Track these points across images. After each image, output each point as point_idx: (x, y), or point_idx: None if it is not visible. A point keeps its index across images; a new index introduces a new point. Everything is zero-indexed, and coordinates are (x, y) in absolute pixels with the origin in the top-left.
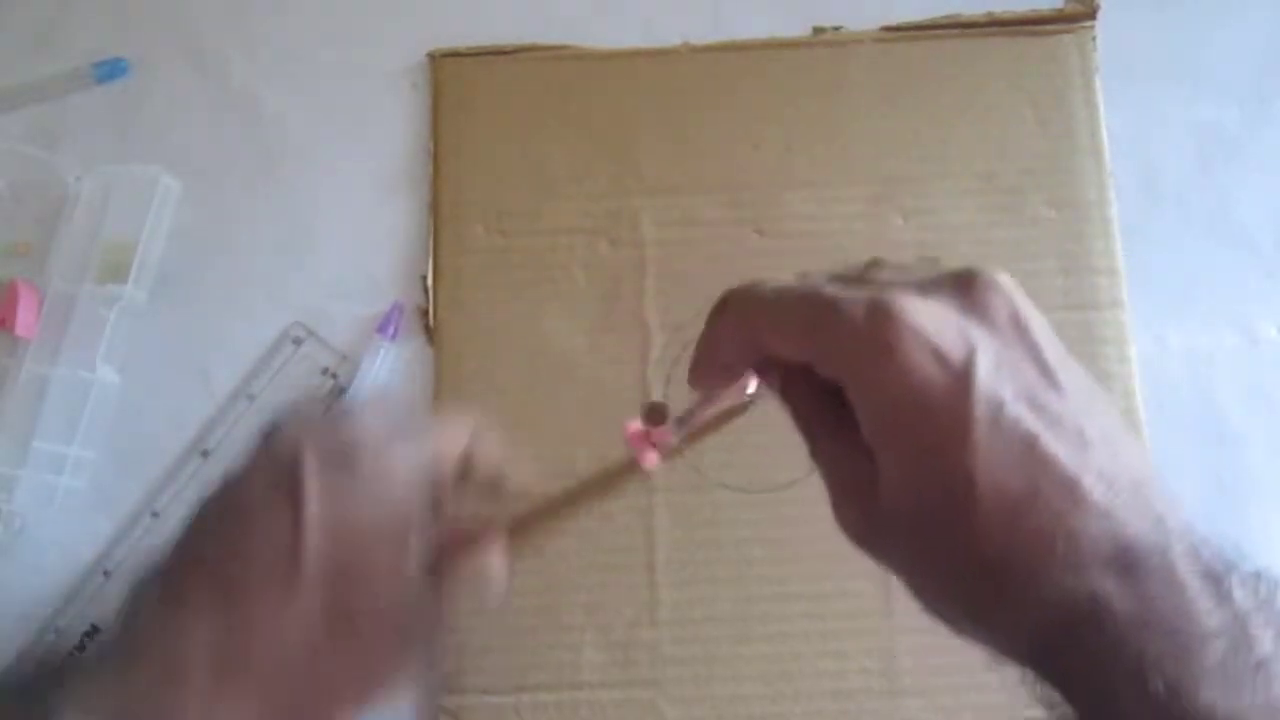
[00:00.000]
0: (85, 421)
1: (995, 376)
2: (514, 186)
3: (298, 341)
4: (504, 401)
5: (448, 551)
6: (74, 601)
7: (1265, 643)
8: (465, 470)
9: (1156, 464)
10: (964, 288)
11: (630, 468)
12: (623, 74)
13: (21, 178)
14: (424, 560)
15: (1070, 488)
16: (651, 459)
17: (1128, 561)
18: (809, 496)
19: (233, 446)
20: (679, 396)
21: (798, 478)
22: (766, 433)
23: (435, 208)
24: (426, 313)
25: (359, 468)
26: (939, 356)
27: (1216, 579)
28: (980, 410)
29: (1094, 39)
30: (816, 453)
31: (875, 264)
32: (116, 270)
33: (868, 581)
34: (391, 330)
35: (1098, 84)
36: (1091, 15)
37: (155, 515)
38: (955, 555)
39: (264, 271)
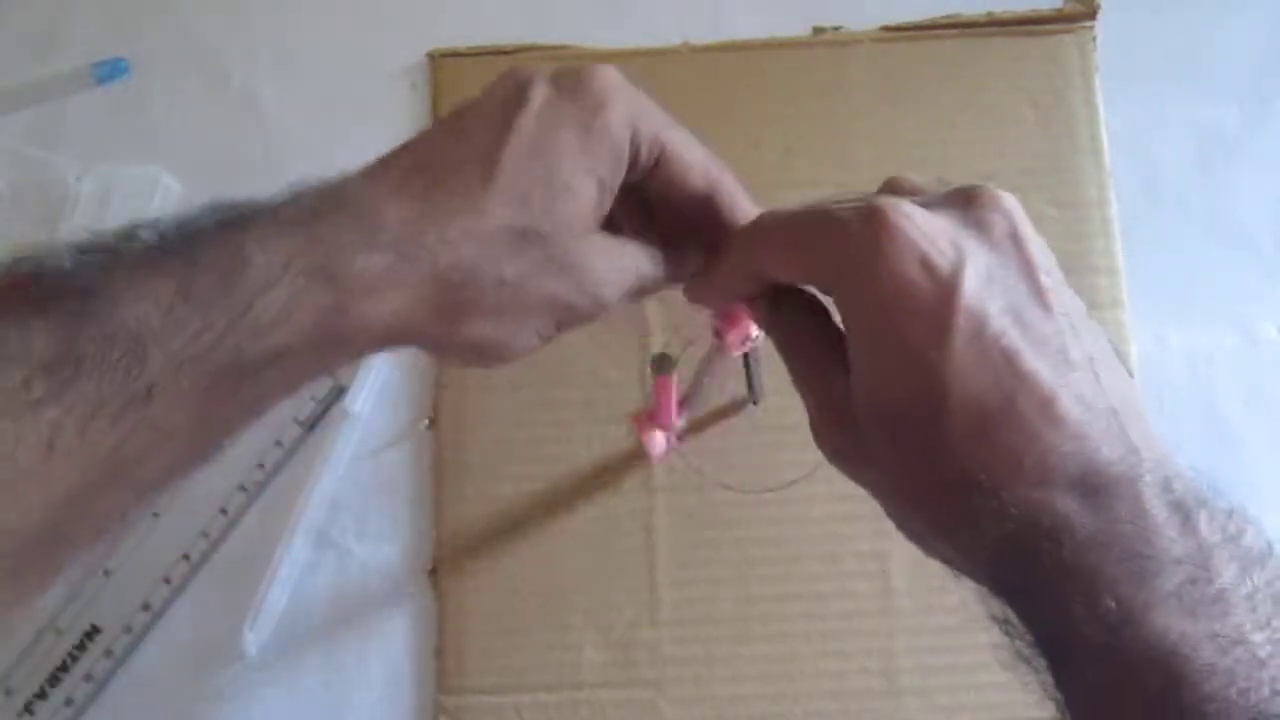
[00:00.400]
0: None
1: (983, 289)
2: None
3: None
4: (505, 400)
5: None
6: (74, 601)
7: (1227, 576)
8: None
9: None
10: (965, 202)
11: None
12: (622, 74)
13: (21, 178)
14: (602, 216)
15: (1045, 406)
16: (658, 443)
17: (1094, 484)
18: (809, 496)
19: (233, 446)
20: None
21: (797, 478)
22: (766, 434)
23: None
24: None
25: (583, 112)
26: (927, 263)
27: (1185, 511)
28: (963, 320)
29: (1094, 39)
30: (798, 371)
31: (888, 182)
32: None
33: (868, 581)
34: None
35: (1097, 84)
36: (1091, 15)
37: (155, 515)
38: (925, 465)
39: None
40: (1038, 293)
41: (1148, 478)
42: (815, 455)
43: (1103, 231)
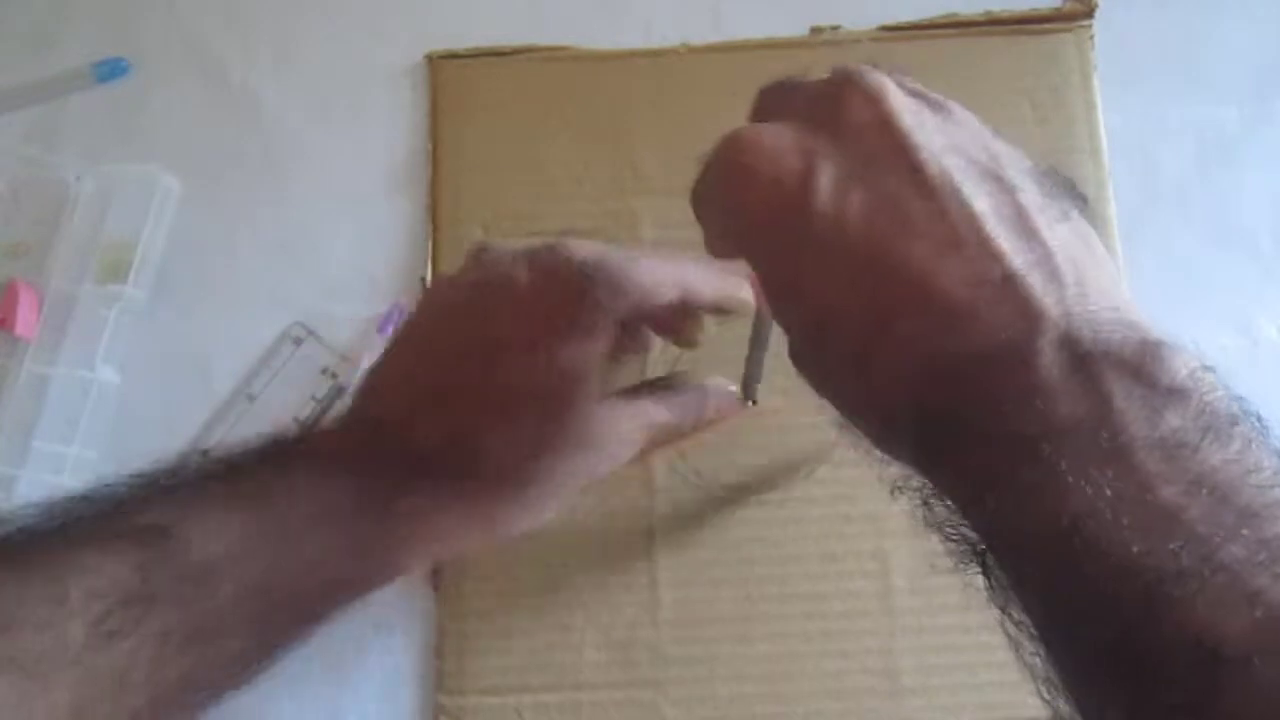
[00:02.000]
0: (85, 421)
1: (838, 192)
2: (513, 188)
3: (298, 341)
4: None
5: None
6: None
7: (1133, 428)
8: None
9: None
10: (823, 98)
11: None
12: (621, 74)
13: (21, 178)
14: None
15: (922, 294)
16: None
17: (975, 368)
18: (809, 497)
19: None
20: None
21: (796, 479)
22: (766, 434)
23: (434, 210)
24: None
25: (569, 303)
26: (776, 183)
27: (1086, 368)
28: (819, 229)
29: (1092, 38)
30: (773, 312)
31: (760, 93)
32: (116, 270)
33: (867, 581)
34: (391, 330)
35: (1096, 83)
36: (1090, 14)
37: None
38: (850, 379)
39: (264, 271)
40: (915, 174)
41: (1043, 340)
42: (816, 455)
43: (1101, 231)
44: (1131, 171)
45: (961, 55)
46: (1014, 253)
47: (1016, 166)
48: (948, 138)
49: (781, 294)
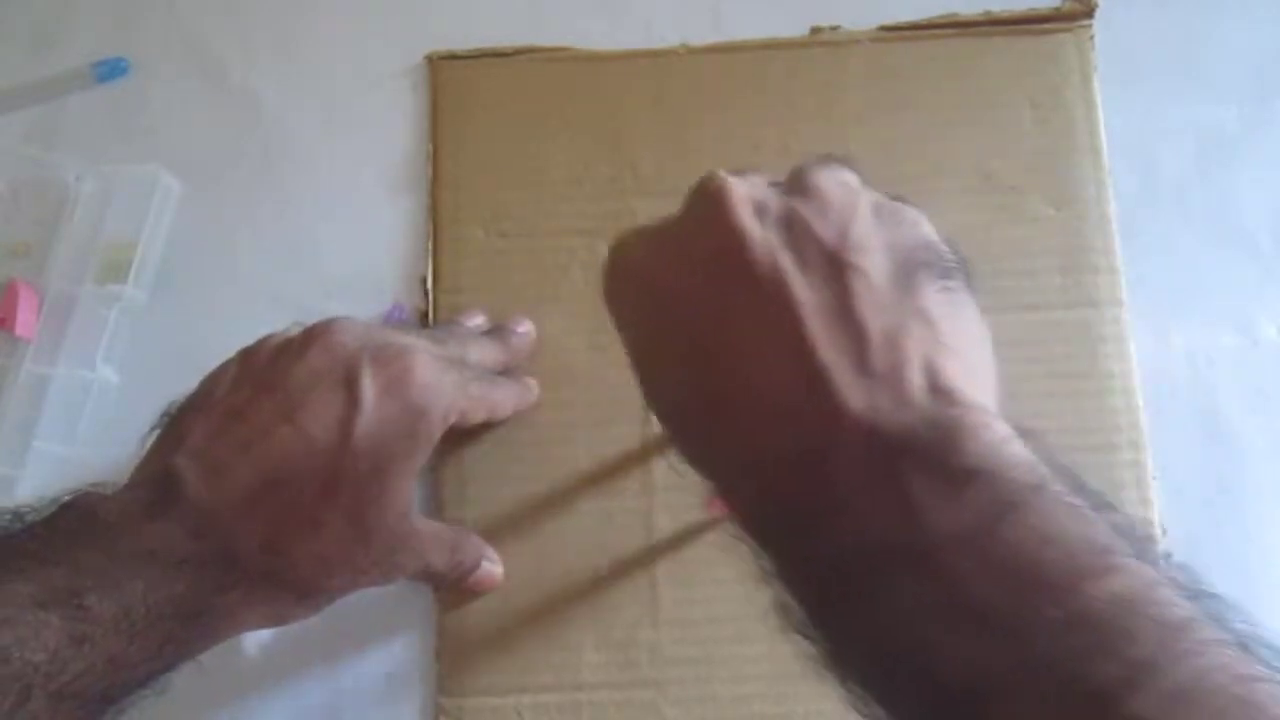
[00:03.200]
0: (85, 421)
1: (680, 289)
2: (513, 188)
3: None
4: None
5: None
6: None
7: (933, 522)
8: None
9: (1157, 464)
10: (688, 202)
11: None
12: (621, 75)
13: (21, 178)
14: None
15: (741, 392)
16: None
17: (785, 476)
18: None
19: None
20: None
21: None
22: None
23: (434, 210)
24: (426, 316)
25: (407, 416)
26: (640, 287)
27: (889, 463)
28: (665, 326)
29: (1092, 37)
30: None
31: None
32: (116, 270)
33: None
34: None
35: (1096, 83)
36: (1090, 14)
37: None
38: (693, 465)
39: (264, 271)
40: (742, 271)
41: (839, 446)
42: None
43: (1101, 230)
44: (1131, 171)
45: (961, 55)
46: (825, 346)
47: (874, 250)
48: (790, 232)
49: (644, 390)
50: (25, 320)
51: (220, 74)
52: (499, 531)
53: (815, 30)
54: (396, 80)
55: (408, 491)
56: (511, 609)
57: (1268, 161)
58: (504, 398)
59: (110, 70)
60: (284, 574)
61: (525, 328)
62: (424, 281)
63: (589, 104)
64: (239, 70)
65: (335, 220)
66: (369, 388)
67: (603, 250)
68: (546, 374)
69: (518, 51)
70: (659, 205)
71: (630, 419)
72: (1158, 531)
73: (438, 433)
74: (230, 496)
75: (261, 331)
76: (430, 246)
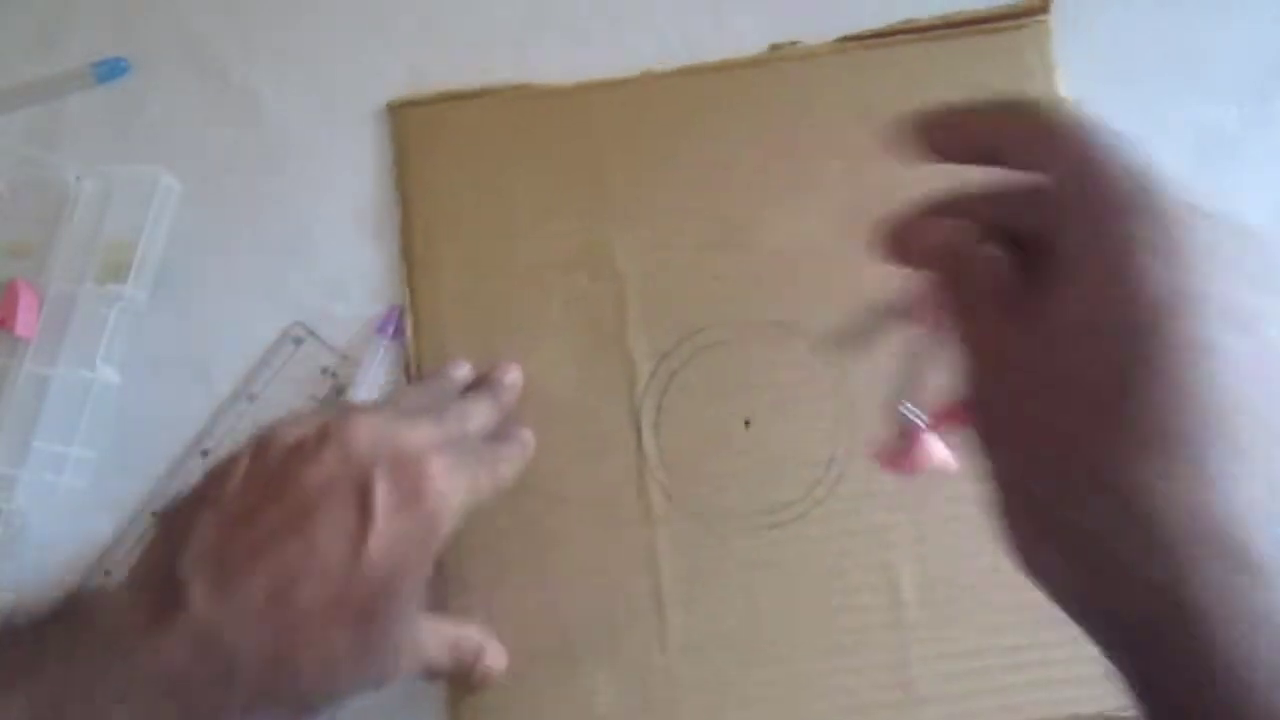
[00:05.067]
0: (85, 421)
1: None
2: (487, 228)
3: (298, 341)
4: None
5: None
6: None
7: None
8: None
9: None
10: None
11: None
12: (583, 107)
13: (21, 178)
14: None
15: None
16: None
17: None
18: (809, 515)
19: (233, 446)
20: (669, 424)
21: (793, 499)
22: (760, 455)
23: (408, 256)
24: (409, 365)
25: (421, 527)
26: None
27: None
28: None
29: (1049, 32)
30: (970, 335)
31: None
32: (116, 270)
33: (875, 595)
34: (391, 330)
35: (1058, 77)
36: (1045, 8)
37: (155, 515)
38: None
39: (264, 271)
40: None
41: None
42: (810, 474)
43: None
44: None
45: (922, 61)
46: None
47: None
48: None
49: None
50: (25, 320)
51: (220, 74)
52: (499, 575)
53: (775, 47)
54: (400, 79)
55: (417, 598)
56: (520, 648)
57: (1268, 161)
58: (508, 470)
59: (110, 70)
60: (284, 688)
61: (513, 376)
62: (404, 332)
63: (554, 139)
64: (239, 70)
65: (335, 220)
66: (382, 502)
67: (582, 282)
68: (535, 411)
69: (477, 94)
70: (634, 233)
71: (623, 449)
72: None
73: (448, 534)
74: (237, 609)
75: (261, 331)
76: (407, 293)
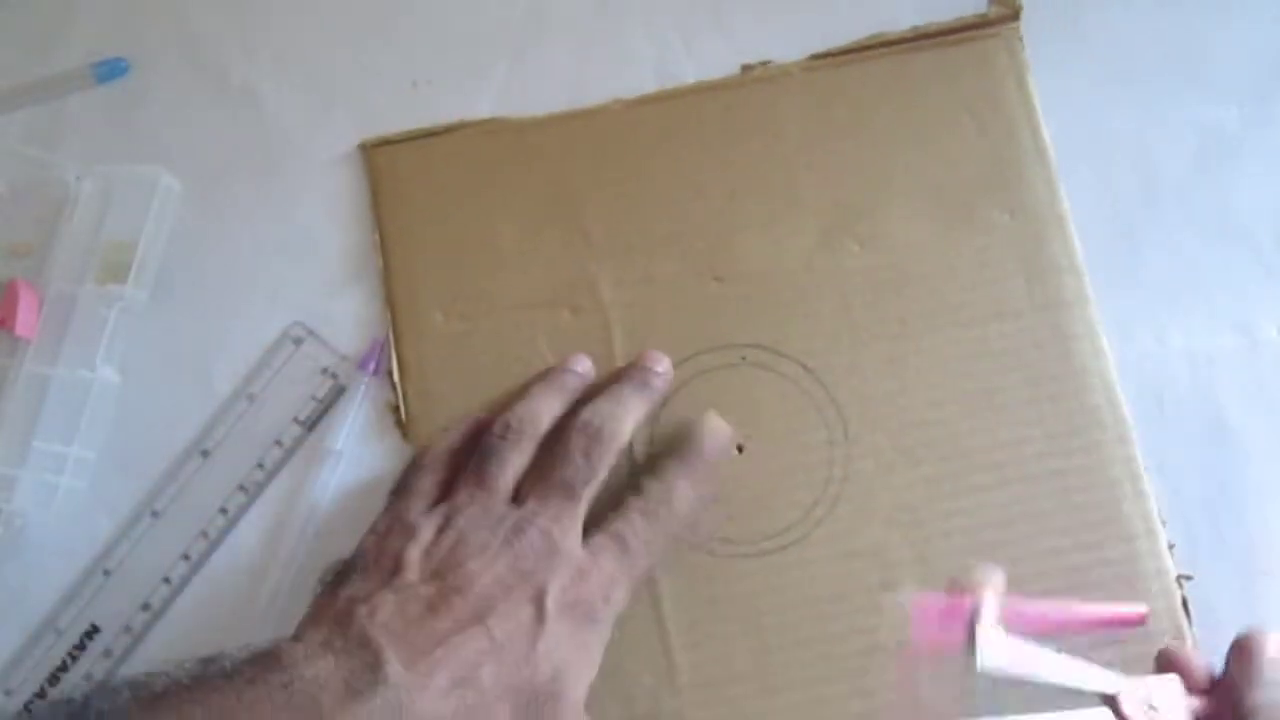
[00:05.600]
0: (85, 421)
1: None
2: (467, 268)
3: (298, 341)
4: None
5: None
6: (74, 601)
7: None
8: None
9: (1156, 464)
10: None
11: None
12: (558, 138)
13: (21, 178)
14: None
15: None
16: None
17: None
18: (807, 539)
19: (233, 446)
20: (662, 454)
21: (792, 522)
22: (756, 481)
23: (390, 300)
24: (397, 409)
25: (581, 630)
26: None
27: None
28: None
29: (1020, 39)
30: None
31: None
32: (116, 270)
33: (877, 615)
34: (372, 366)
35: (1031, 83)
36: (1015, 16)
37: (155, 515)
38: None
39: (264, 271)
40: None
41: None
42: (807, 496)
43: (1059, 230)
44: (1132, 171)
45: (894, 74)
46: None
47: None
48: None
49: None
50: (26, 320)
51: (220, 74)
52: None
53: (746, 68)
54: (399, 79)
55: (582, 697)
56: None
57: (1268, 161)
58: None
59: (110, 70)
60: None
61: (664, 365)
62: (390, 374)
63: (531, 173)
64: (239, 70)
65: (335, 220)
66: (554, 604)
67: (566, 318)
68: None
69: (450, 128)
70: (615, 265)
71: (617, 484)
72: (1157, 524)
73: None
74: (427, 686)
75: (261, 331)
76: (391, 337)
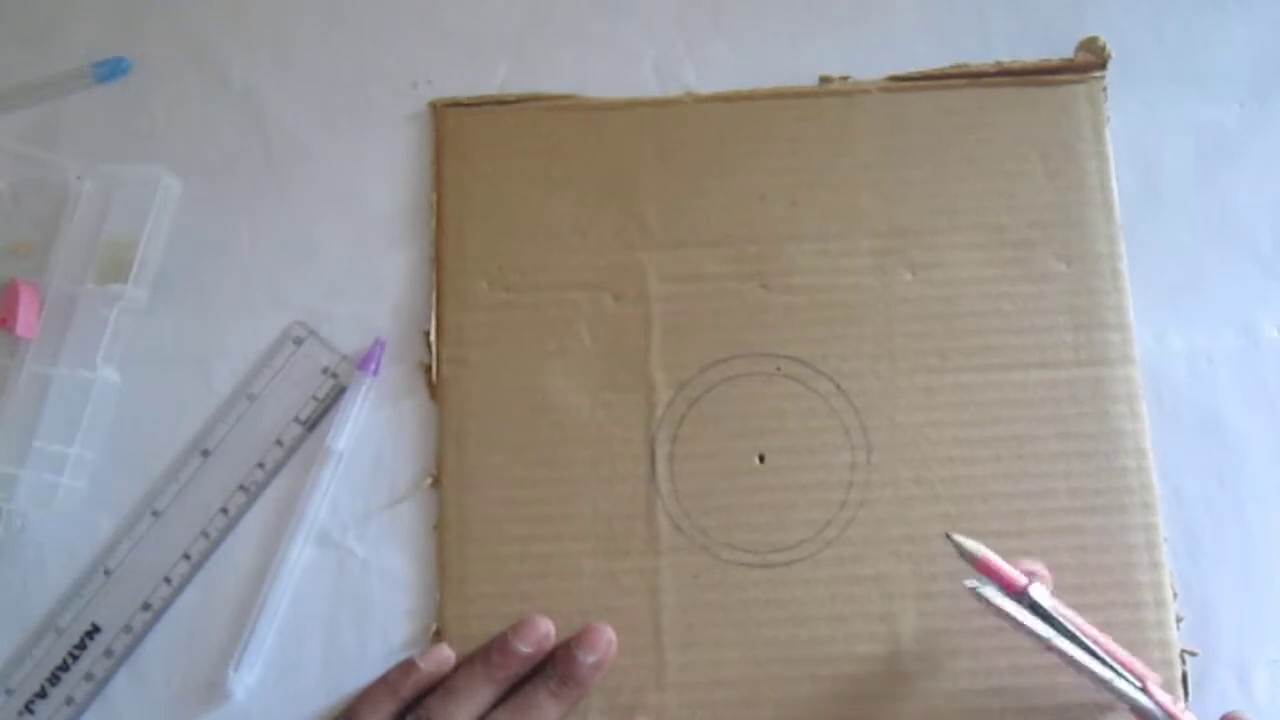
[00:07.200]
0: (85, 421)
1: None
2: (518, 240)
3: (298, 341)
4: (507, 460)
5: None
6: (74, 601)
7: None
8: None
9: (1157, 464)
10: None
11: None
12: (627, 125)
13: (21, 178)
14: None
15: None
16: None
17: None
18: (815, 558)
19: (233, 446)
20: (684, 454)
21: (803, 539)
22: (772, 494)
23: (438, 262)
24: (430, 369)
25: None
26: None
27: None
28: None
29: (1104, 89)
30: None
31: None
32: (117, 270)
33: (875, 644)
34: (373, 367)
35: (1108, 135)
36: (1103, 65)
37: (156, 515)
38: None
39: (264, 271)
40: None
41: None
42: (821, 515)
43: (1114, 286)
44: (1132, 171)
45: (971, 106)
46: None
47: None
48: None
49: None
50: (26, 320)
51: (220, 74)
52: (501, 593)
53: (824, 80)
54: (400, 80)
55: None
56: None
57: (1268, 161)
58: None
59: (110, 70)
60: None
61: (593, 658)
62: (427, 335)
63: (594, 154)
64: (239, 70)
65: (335, 220)
66: None
67: (608, 304)
68: (549, 430)
69: (522, 99)
70: (665, 258)
71: (635, 476)
72: (1169, 595)
73: None
74: None
75: (261, 331)
76: (434, 299)
